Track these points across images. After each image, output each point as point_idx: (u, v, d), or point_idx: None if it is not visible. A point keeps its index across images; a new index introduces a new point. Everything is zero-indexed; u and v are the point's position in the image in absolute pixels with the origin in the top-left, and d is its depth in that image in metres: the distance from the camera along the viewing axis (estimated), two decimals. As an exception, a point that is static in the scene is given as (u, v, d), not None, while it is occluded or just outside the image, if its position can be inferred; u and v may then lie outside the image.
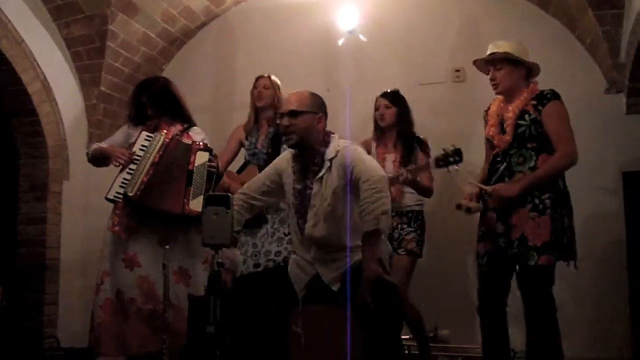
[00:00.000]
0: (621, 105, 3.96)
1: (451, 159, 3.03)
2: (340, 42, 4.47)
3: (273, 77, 3.61)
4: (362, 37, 4.46)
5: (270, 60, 4.57)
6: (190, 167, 3.07)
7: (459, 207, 2.86)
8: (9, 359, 3.59)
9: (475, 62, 3.03)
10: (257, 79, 3.65)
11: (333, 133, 2.68)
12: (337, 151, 2.58)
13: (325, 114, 2.66)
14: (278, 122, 2.78)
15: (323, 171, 2.56)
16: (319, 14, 4.61)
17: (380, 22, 4.51)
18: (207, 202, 2.35)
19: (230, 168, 3.68)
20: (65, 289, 4.43)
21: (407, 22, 4.49)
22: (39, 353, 3.88)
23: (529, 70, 2.87)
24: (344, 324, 2.39)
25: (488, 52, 2.92)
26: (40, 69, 4.26)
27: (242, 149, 3.69)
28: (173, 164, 3.12)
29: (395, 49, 4.49)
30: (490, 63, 2.90)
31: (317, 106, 2.63)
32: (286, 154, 2.72)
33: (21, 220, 4.38)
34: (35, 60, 4.21)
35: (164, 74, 4.69)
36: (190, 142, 3.18)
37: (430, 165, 3.14)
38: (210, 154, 3.19)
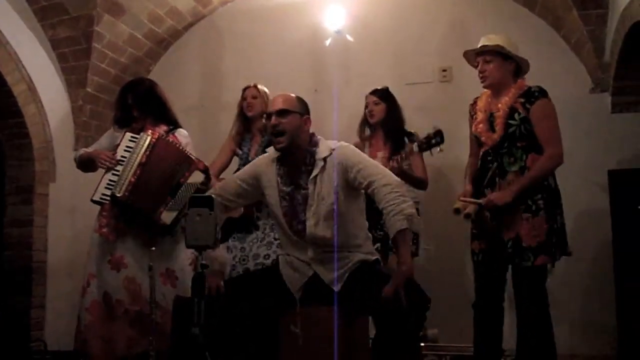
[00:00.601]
0: (606, 104, 4.00)
1: (433, 141, 3.05)
2: (328, 42, 4.49)
3: (260, 86, 3.61)
4: (349, 37, 4.46)
5: (257, 61, 4.61)
6: (182, 180, 3.06)
7: (456, 212, 2.86)
8: None
9: (465, 53, 3.01)
10: (244, 89, 3.65)
11: (319, 136, 2.69)
12: (332, 150, 2.57)
13: (309, 116, 2.68)
14: (265, 122, 2.77)
15: (317, 170, 2.54)
16: (306, 15, 4.62)
17: (367, 22, 4.53)
18: (190, 204, 2.32)
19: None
20: (53, 291, 4.42)
21: (394, 22, 4.51)
22: (26, 356, 3.87)
23: (518, 67, 2.87)
24: (344, 323, 2.40)
25: (479, 45, 2.92)
26: (26, 71, 4.25)
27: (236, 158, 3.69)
28: (164, 168, 3.10)
29: (383, 49, 4.51)
30: (481, 55, 2.89)
31: (304, 108, 2.65)
32: (265, 157, 2.71)
33: (7, 222, 4.36)
34: (21, 62, 4.20)
35: (151, 75, 4.70)
36: (194, 157, 3.16)
37: (413, 151, 3.15)
38: (206, 177, 3.17)
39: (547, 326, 2.72)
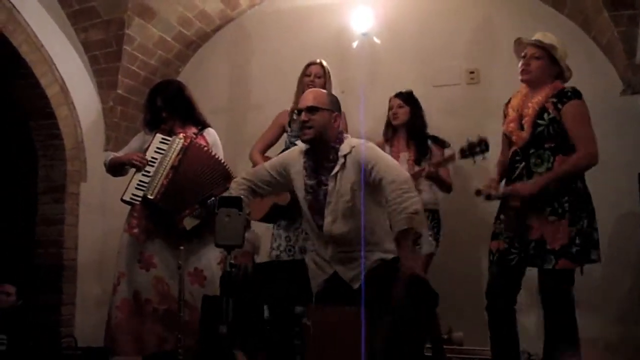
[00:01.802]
0: (637, 106, 3.92)
1: (477, 149, 3.01)
2: (355, 44, 4.50)
3: (325, 64, 3.59)
4: (376, 40, 4.47)
5: (285, 63, 4.59)
6: (216, 193, 3.03)
7: (478, 193, 2.86)
8: (27, 358, 3.61)
9: (517, 40, 2.93)
10: (309, 65, 3.62)
11: (347, 134, 2.71)
12: (352, 147, 2.59)
13: (340, 113, 2.69)
14: (295, 118, 2.80)
15: (337, 167, 2.57)
16: (333, 17, 4.63)
17: (394, 25, 4.52)
18: (220, 204, 2.35)
19: (269, 153, 3.69)
20: (83, 289, 4.46)
21: (421, 24, 4.50)
22: (56, 352, 3.90)
23: (560, 74, 2.84)
24: (362, 322, 2.40)
25: (535, 38, 2.85)
26: (59, 73, 4.30)
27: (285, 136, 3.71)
28: (197, 174, 3.12)
29: (409, 51, 4.49)
30: (532, 48, 2.83)
31: (334, 105, 2.67)
32: (295, 150, 2.73)
33: (39, 221, 4.41)
34: (54, 64, 4.25)
35: (180, 77, 4.74)
36: (230, 171, 3.17)
37: (455, 157, 3.13)
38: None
39: (572, 330, 2.69)
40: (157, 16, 4.42)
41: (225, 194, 2.77)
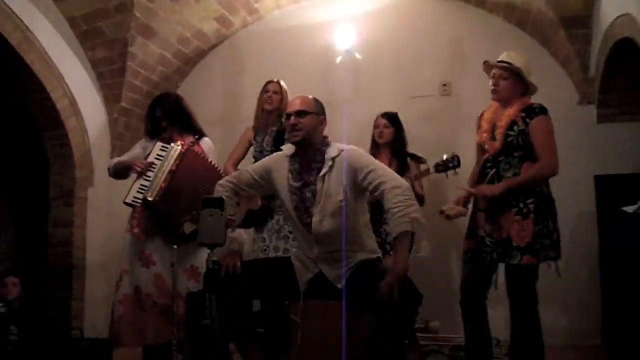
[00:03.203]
0: (592, 115, 4.05)
1: (450, 165, 3.15)
2: (339, 60, 4.53)
3: (282, 83, 3.59)
4: (358, 56, 4.52)
5: (275, 77, 4.38)
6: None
7: (441, 212, 2.89)
8: (40, 347, 3.65)
9: (485, 63, 2.95)
10: (268, 83, 3.60)
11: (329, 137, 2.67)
12: (341, 151, 2.52)
13: (326, 117, 2.64)
14: (284, 121, 2.75)
15: (325, 169, 2.50)
16: (319, 36, 4.68)
17: (375, 42, 4.58)
18: (203, 205, 2.29)
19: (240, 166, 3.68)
20: (91, 286, 4.49)
21: (399, 41, 4.56)
22: (66, 342, 3.93)
23: (527, 88, 2.87)
24: (347, 319, 2.39)
25: (502, 59, 2.87)
26: (68, 88, 4.34)
27: (252, 149, 3.68)
28: (194, 178, 3.11)
29: (388, 66, 4.56)
30: (500, 70, 2.85)
31: (320, 108, 2.63)
32: (278, 155, 2.69)
33: (51, 223, 4.45)
34: (64, 80, 4.30)
35: (179, 91, 4.66)
36: (224, 175, 3.13)
37: (430, 171, 3.24)
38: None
39: (535, 320, 2.72)
40: (158, 35, 4.46)
41: (210, 196, 2.68)
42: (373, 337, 2.37)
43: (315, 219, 2.50)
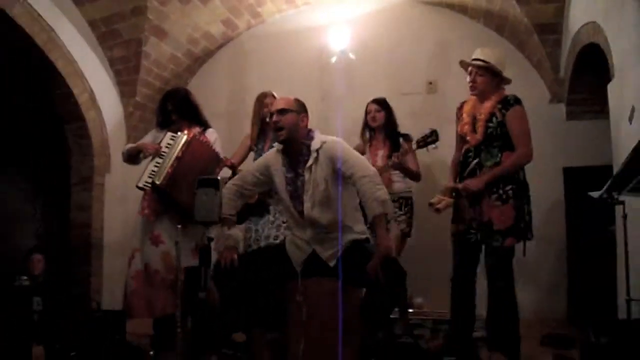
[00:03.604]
0: (562, 112, 4.24)
1: (429, 139, 3.16)
2: (333, 59, 4.66)
3: (276, 95, 3.57)
4: (351, 56, 4.65)
5: (275, 75, 4.74)
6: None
7: (430, 205, 2.95)
8: (63, 316, 3.71)
9: (461, 63, 3.01)
10: (265, 96, 3.64)
11: (314, 130, 2.72)
12: (323, 143, 2.59)
13: (307, 114, 2.70)
14: (268, 120, 2.84)
15: (311, 161, 2.58)
16: (316, 37, 4.84)
17: (367, 43, 4.73)
18: (198, 184, 2.30)
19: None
20: (108, 264, 4.67)
21: (389, 42, 4.73)
22: (85, 313, 3.97)
23: (502, 79, 2.93)
24: (337, 293, 2.46)
25: (475, 56, 2.93)
26: (88, 84, 4.51)
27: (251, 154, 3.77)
28: (198, 163, 3.13)
29: (380, 65, 4.71)
30: (475, 67, 2.91)
31: (300, 107, 2.69)
32: (273, 151, 2.76)
33: (72, 207, 4.64)
34: (84, 76, 4.46)
35: (189, 87, 4.80)
36: (223, 157, 3.24)
37: (412, 148, 3.26)
38: (233, 173, 3.23)
39: (512, 296, 2.81)
40: (169, 36, 4.59)
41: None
42: (363, 309, 2.50)
43: (306, 205, 2.59)
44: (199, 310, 2.75)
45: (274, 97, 3.58)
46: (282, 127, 2.62)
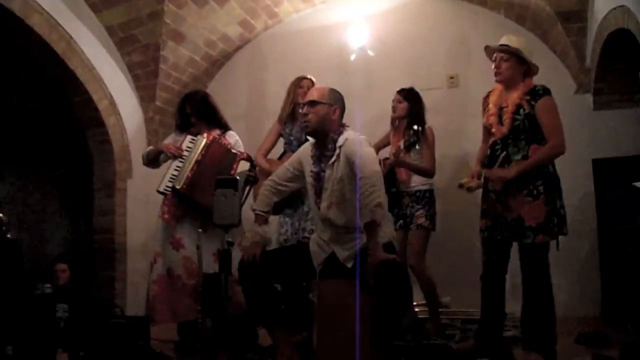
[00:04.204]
0: (589, 103, 4.11)
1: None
2: (352, 57, 4.62)
3: (314, 79, 3.64)
4: (370, 52, 4.59)
5: (294, 75, 4.29)
6: (232, 172, 3.09)
7: (460, 186, 2.87)
8: (88, 323, 3.60)
9: (486, 48, 2.91)
10: (302, 79, 3.62)
11: (348, 126, 2.65)
12: (345, 140, 2.53)
13: (342, 108, 2.61)
14: (300, 110, 2.77)
15: (334, 157, 2.53)
16: (334, 35, 4.79)
17: (386, 39, 4.66)
18: (217, 185, 2.23)
19: (270, 156, 3.77)
20: (131, 268, 4.62)
21: (408, 38, 4.65)
22: (109, 319, 3.87)
23: (529, 69, 2.81)
24: (355, 294, 2.41)
25: (502, 42, 2.82)
26: (108, 89, 4.48)
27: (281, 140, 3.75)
28: (217, 165, 3.11)
29: (398, 61, 4.62)
30: (500, 52, 2.81)
31: (334, 99, 2.61)
32: (307, 143, 2.71)
33: (95, 212, 4.61)
34: (104, 82, 4.43)
35: (208, 90, 4.69)
36: (236, 152, 3.21)
37: (401, 149, 3.21)
38: (251, 165, 3.22)
39: (549, 295, 2.73)
40: (186, 39, 4.55)
41: (256, 201, 2.67)
42: (373, 309, 2.44)
43: (323, 205, 2.55)
44: (221, 318, 2.68)
45: (311, 82, 3.58)
46: (309, 119, 2.56)
